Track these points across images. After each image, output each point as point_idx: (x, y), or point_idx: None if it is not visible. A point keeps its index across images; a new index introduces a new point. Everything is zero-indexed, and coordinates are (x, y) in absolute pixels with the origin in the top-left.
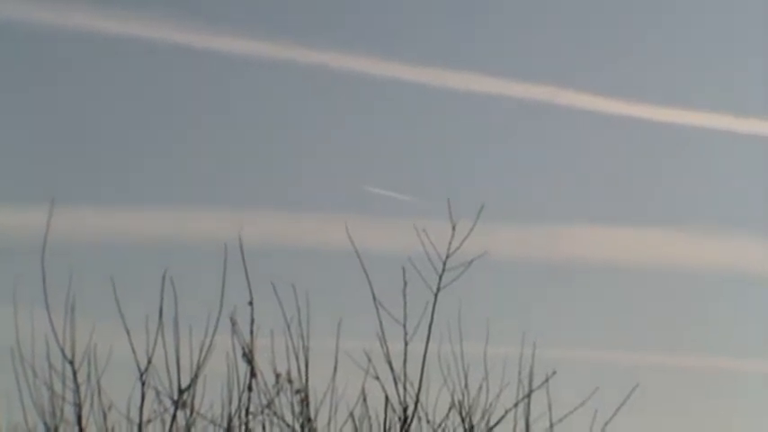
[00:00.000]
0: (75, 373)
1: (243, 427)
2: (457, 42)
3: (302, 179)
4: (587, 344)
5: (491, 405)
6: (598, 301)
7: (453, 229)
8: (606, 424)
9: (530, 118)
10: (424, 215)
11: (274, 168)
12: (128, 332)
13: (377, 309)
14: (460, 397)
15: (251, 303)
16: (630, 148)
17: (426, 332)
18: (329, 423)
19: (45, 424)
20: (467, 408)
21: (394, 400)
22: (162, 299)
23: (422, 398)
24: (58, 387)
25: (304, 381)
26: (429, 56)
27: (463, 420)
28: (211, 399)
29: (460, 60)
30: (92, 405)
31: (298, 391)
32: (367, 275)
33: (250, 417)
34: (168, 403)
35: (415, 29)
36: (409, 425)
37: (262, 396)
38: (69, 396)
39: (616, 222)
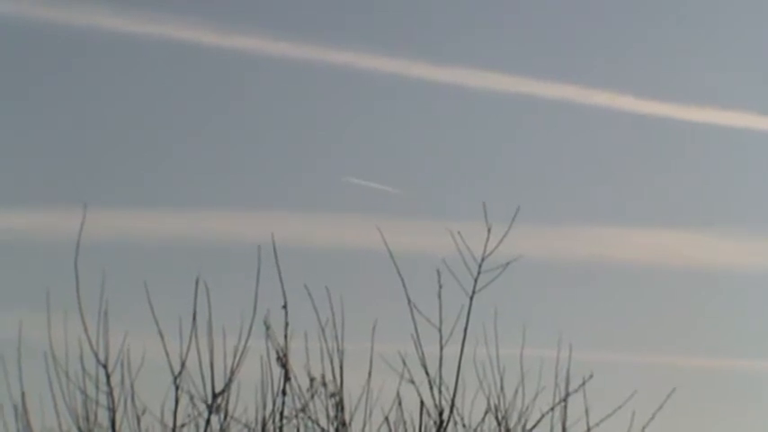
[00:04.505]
0: (108, 378)
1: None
2: (475, 40)
3: (322, 179)
4: (624, 346)
5: (527, 409)
6: (634, 302)
7: (489, 231)
8: (644, 428)
9: (553, 116)
10: (455, 218)
11: (297, 168)
12: (161, 336)
13: (411, 312)
14: (496, 401)
15: (285, 307)
16: (659, 147)
17: (462, 335)
18: (364, 427)
19: (79, 428)
20: (503, 411)
21: (429, 403)
22: (195, 303)
23: (457, 401)
24: (91, 392)
25: (338, 384)
26: (444, 54)
27: (499, 424)
28: (245, 403)
29: (478, 58)
30: (125, 409)
31: (332, 395)
32: (402, 279)
33: (284, 421)
34: (202, 407)
35: (423, 25)
36: (445, 429)
37: (296, 400)
38: (103, 400)
39: (649, 224)
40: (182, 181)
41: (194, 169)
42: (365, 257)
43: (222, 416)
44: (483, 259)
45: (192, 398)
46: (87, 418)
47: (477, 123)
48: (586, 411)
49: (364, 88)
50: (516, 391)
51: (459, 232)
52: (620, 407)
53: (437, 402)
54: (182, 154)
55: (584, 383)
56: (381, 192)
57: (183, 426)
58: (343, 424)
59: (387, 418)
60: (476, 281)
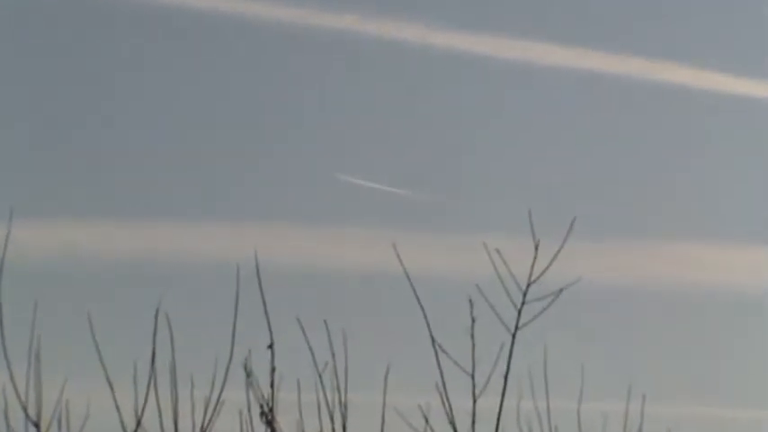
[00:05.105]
0: None
1: None
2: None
3: (314, 179)
4: (713, 397)
5: None
6: (726, 338)
7: (536, 247)
8: None
9: (619, 95)
10: (491, 230)
11: (283, 166)
12: (110, 385)
13: (436, 353)
14: None
15: (271, 346)
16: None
17: (501, 383)
18: None
19: None
20: None
21: None
22: (155, 341)
23: None
24: None
25: None
26: (471, 23)
27: None
28: None
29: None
30: None
31: None
32: (423, 310)
33: None
34: None
35: None
36: None
37: None
38: None
39: (747, 239)
40: (137, 186)
41: (153, 170)
42: (375, 282)
43: None
44: (529, 284)
45: None
46: None
47: (516, 105)
48: None
49: (363, 58)
50: None
51: (497, 249)
52: None
53: None
54: (134, 151)
55: None
56: (392, 195)
57: None
58: None
59: None
60: (519, 312)
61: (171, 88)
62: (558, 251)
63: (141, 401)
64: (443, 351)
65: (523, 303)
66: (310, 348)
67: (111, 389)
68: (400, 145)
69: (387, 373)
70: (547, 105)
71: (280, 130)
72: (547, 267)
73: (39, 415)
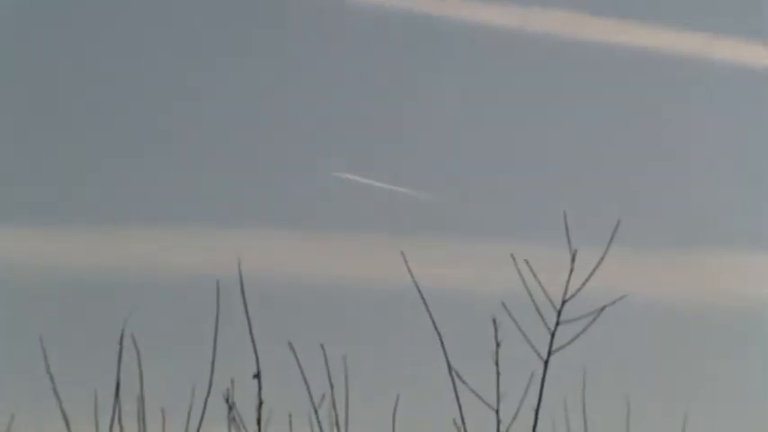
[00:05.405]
0: None
1: None
2: None
3: (310, 177)
4: None
5: None
6: None
7: (573, 258)
8: None
9: (671, 71)
10: (516, 236)
11: (273, 162)
12: (66, 420)
13: (453, 383)
14: None
15: (257, 376)
16: None
17: (531, 418)
18: None
19: None
20: None
21: None
22: (119, 369)
23: None
24: None
25: None
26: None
27: None
28: None
29: None
30: None
31: None
32: (437, 332)
33: None
34: None
35: None
36: None
37: None
38: None
39: None
40: (99, 184)
41: (113, 165)
42: (380, 298)
43: None
44: (564, 302)
45: None
46: None
47: (544, 81)
48: None
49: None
50: None
51: (526, 260)
52: None
53: None
54: (90, 145)
55: None
56: (402, 197)
57: None
58: None
59: None
60: (553, 335)
61: (138, 80)
62: (601, 260)
63: None
64: (462, 381)
65: (558, 324)
66: (304, 377)
67: (67, 424)
68: (406, 137)
69: (395, 407)
70: (583, 89)
71: (263, 120)
72: (586, 281)
73: None
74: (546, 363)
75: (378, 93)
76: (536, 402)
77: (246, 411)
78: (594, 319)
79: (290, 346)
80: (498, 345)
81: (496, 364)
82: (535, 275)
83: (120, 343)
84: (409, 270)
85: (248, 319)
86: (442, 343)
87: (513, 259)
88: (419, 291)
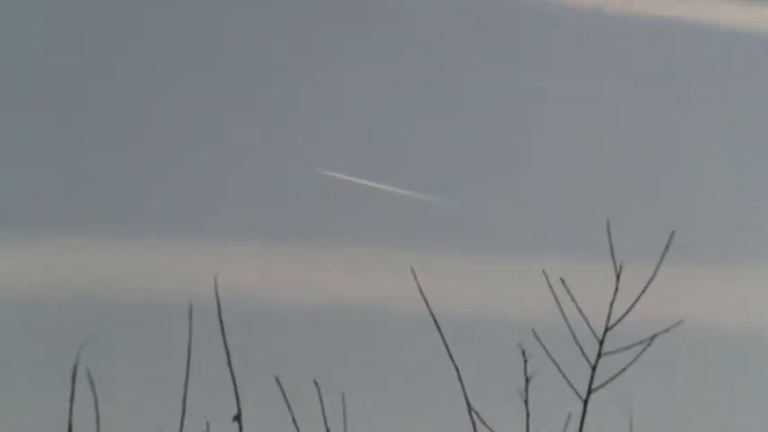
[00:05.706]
0: None
1: None
2: None
3: (299, 177)
4: None
5: None
6: None
7: (618, 276)
8: None
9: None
10: (548, 250)
11: (256, 161)
12: None
13: (473, 424)
14: None
15: (238, 418)
16: None
17: None
18: None
19: None
20: None
21: None
22: (72, 404)
23: None
24: None
25: None
26: None
27: None
28: None
29: None
30: None
31: None
32: (455, 365)
33: None
34: None
35: None
36: None
37: None
38: None
39: None
40: (59, 193)
41: (72, 169)
42: (384, 322)
43: None
44: (607, 329)
45: None
46: None
47: (570, 66)
48: None
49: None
50: None
51: (561, 278)
52: None
53: None
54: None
55: None
56: (408, 200)
57: None
58: None
59: None
60: (594, 369)
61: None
62: (652, 278)
63: None
64: (483, 423)
65: (600, 356)
66: (293, 419)
67: None
68: (415, 136)
69: None
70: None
71: (240, 117)
72: (634, 303)
73: None
74: (585, 402)
75: (379, 92)
76: None
77: None
78: (645, 350)
79: (277, 381)
80: (528, 380)
81: (526, 402)
82: (572, 296)
83: (73, 377)
84: (420, 289)
85: (226, 347)
86: (459, 377)
87: (546, 276)
88: (431, 314)
